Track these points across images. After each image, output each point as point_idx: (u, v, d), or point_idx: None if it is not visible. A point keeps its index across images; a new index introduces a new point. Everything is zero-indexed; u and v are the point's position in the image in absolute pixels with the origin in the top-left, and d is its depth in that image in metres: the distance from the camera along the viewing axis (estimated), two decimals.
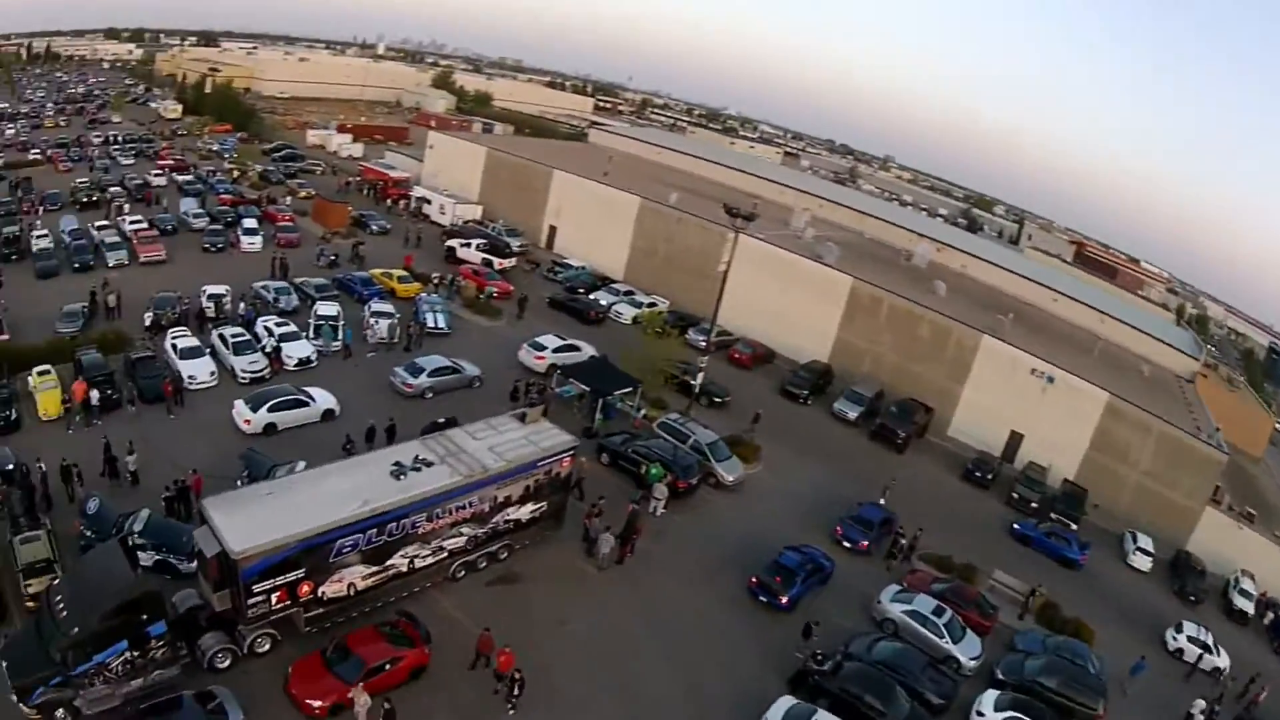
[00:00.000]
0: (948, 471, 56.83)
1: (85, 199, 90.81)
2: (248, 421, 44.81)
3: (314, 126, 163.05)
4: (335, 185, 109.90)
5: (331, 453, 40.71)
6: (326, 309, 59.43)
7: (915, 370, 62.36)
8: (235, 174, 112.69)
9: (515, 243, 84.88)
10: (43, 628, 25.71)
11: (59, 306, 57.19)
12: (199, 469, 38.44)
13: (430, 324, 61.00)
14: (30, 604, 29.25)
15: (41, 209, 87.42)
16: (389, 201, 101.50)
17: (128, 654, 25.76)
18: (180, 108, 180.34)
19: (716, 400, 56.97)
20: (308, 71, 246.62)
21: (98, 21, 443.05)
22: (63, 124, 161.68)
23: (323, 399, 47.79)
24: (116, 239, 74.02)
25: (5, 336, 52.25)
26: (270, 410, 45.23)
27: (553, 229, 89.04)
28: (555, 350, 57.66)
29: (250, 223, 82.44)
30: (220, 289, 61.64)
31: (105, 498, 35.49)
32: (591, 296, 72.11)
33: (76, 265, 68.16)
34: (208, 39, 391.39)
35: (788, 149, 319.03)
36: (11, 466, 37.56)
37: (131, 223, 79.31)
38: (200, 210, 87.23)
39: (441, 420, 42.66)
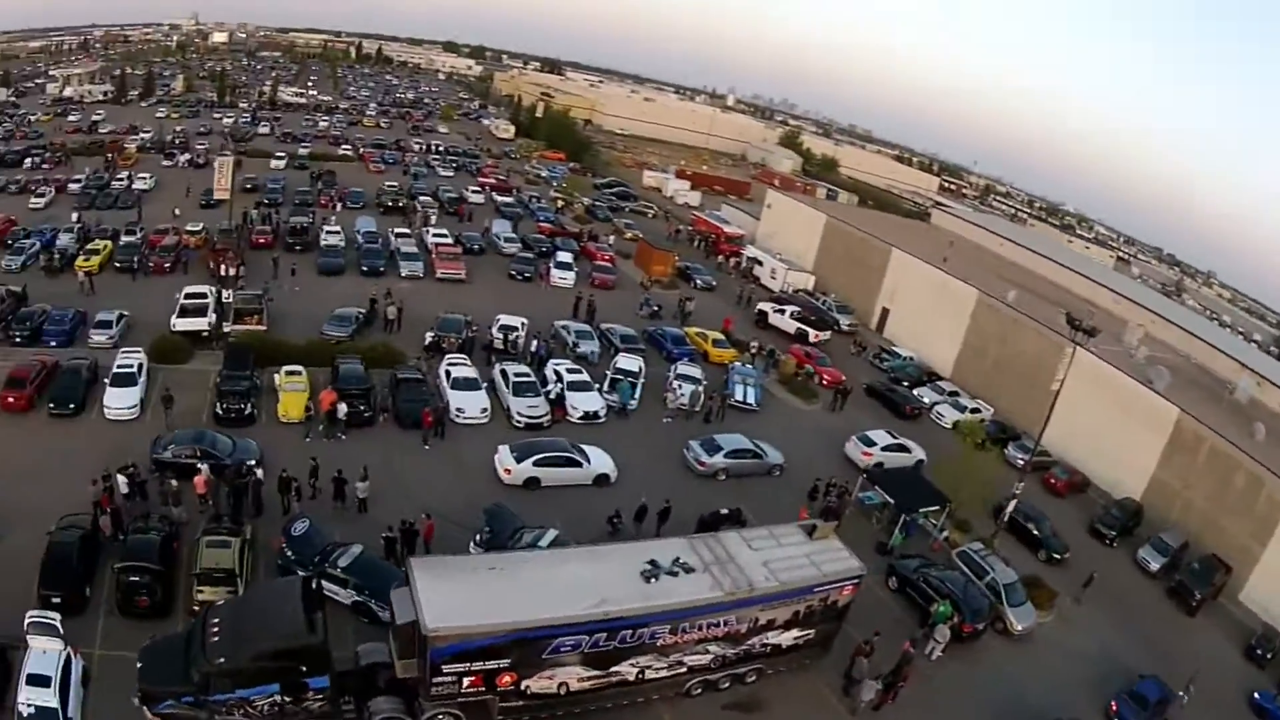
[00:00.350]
0: (1230, 642, 52.81)
1: (390, 203, 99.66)
2: (508, 471, 44.73)
3: (652, 168, 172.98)
4: (665, 231, 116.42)
5: (593, 525, 41.32)
6: (628, 363, 59.75)
7: (1221, 523, 61.52)
8: (560, 204, 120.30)
9: (845, 321, 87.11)
10: (191, 643, 26.67)
11: (332, 308, 61.33)
12: (435, 513, 38.40)
13: (738, 397, 61.14)
14: (196, 609, 30.65)
15: (340, 205, 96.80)
16: (719, 257, 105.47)
17: (278, 697, 26.50)
18: (513, 129, 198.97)
19: (1055, 557, 53.60)
20: (651, 112, 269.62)
21: (439, 34, 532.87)
22: (383, 125, 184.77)
23: (599, 461, 47.36)
24: (414, 249, 79.40)
25: (263, 328, 56.26)
26: (536, 464, 45.08)
27: (885, 311, 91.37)
28: (884, 449, 57.67)
29: (565, 256, 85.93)
30: (515, 321, 63.39)
31: (316, 520, 36.11)
32: (916, 392, 73.25)
33: (365, 268, 73.51)
34: (553, 66, 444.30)
35: (1120, 254, 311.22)
36: (254, 462, 39.73)
37: (435, 235, 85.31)
38: (513, 234, 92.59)
39: (724, 511, 43.02)
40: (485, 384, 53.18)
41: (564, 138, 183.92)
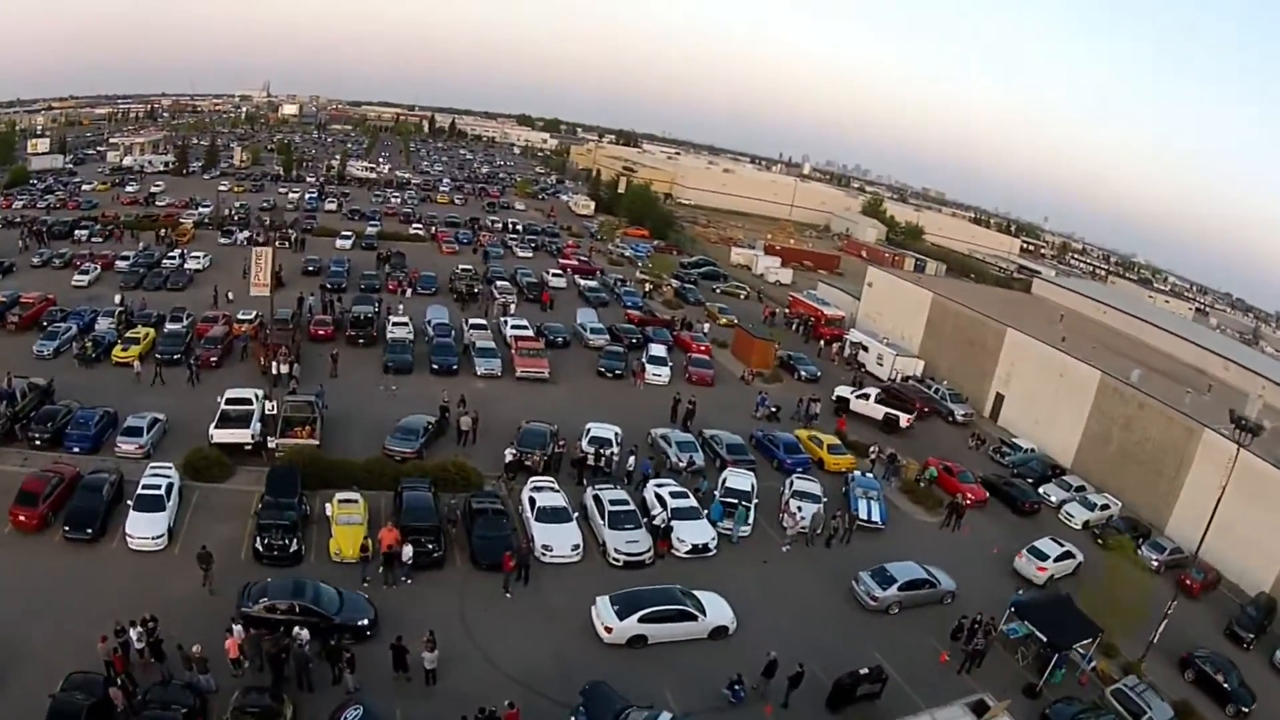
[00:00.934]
0: None
1: (465, 289, 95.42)
2: (609, 629, 39.12)
3: (739, 244, 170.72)
4: (761, 314, 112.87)
5: (710, 692, 37.37)
6: (739, 479, 54.07)
7: None
8: (647, 287, 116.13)
9: (960, 411, 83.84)
10: None
11: (398, 416, 56.51)
12: (520, 682, 34.49)
13: (863, 515, 55.94)
14: None
15: (409, 291, 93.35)
16: (821, 342, 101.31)
17: None
18: (592, 204, 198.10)
19: (1244, 711, 48.59)
20: (730, 183, 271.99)
21: (513, 107, 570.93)
22: (458, 202, 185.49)
23: (715, 610, 41.82)
24: (490, 344, 74.65)
25: (315, 441, 51.26)
26: (643, 620, 39.47)
27: (999, 397, 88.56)
28: (1056, 559, 55.33)
29: (659, 349, 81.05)
30: (607, 431, 58.19)
31: (373, 701, 31.36)
32: (1041, 490, 69.80)
33: (435, 366, 69.23)
34: (629, 139, 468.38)
35: (1198, 305, 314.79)
36: (365, 623, 36.18)
37: (514, 326, 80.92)
38: (600, 325, 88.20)
39: (863, 671, 38.50)
40: (576, 513, 47.67)
41: (648, 213, 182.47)
